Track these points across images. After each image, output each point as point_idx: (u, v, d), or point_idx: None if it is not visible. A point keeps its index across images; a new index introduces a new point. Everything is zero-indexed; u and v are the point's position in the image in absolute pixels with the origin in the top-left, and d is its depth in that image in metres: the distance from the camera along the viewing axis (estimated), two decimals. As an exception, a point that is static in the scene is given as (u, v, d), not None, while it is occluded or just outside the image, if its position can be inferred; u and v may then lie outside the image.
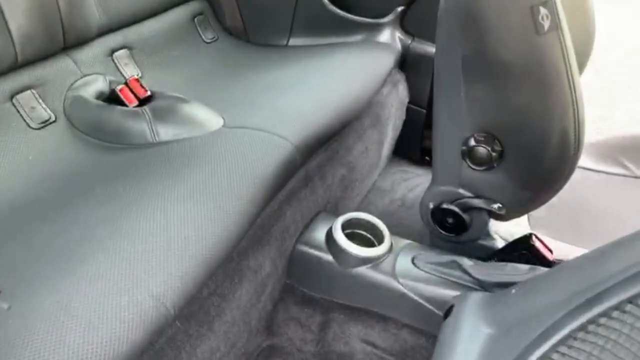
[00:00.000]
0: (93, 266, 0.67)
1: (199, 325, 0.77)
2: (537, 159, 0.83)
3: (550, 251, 0.95)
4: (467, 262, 0.91)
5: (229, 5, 1.46)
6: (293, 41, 1.47)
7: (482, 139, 0.86)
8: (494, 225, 1.02)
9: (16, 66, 0.98)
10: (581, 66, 1.04)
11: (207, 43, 1.42)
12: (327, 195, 1.11)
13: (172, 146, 0.96)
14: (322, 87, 1.14)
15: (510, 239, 1.02)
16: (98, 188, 0.86)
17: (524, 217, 1.12)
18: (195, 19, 1.41)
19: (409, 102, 1.53)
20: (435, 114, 0.94)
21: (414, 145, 1.60)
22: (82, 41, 1.11)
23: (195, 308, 0.77)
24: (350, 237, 0.99)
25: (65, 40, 1.06)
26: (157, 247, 0.69)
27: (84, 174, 0.92)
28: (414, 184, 1.54)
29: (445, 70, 0.88)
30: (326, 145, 1.12)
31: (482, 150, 0.86)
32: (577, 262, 0.60)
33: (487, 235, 1.00)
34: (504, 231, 1.03)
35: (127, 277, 0.65)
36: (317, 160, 1.09)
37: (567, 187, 0.88)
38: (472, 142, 0.87)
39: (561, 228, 1.08)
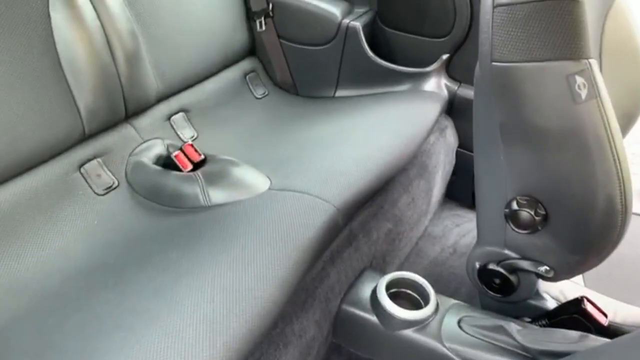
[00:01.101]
0: (146, 341, 0.72)
1: (244, 393, 0.80)
2: (582, 224, 0.80)
3: (605, 315, 0.91)
4: (514, 327, 0.89)
5: (279, 62, 1.52)
6: (340, 92, 1.51)
7: (525, 202, 0.85)
8: (545, 284, 0.99)
9: (83, 139, 1.08)
10: (626, 128, 1.00)
11: (258, 99, 1.49)
12: (373, 250, 1.12)
13: (223, 209, 1.01)
14: (366, 144, 1.16)
15: (562, 298, 0.99)
16: (154, 255, 0.92)
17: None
18: (247, 77, 1.49)
19: (459, 147, 1.52)
20: (477, 175, 0.94)
21: (465, 190, 1.58)
22: (141, 110, 1.20)
23: (241, 376, 0.80)
24: (396, 296, 0.99)
25: (126, 110, 1.16)
26: (203, 321, 0.73)
27: (143, 240, 0.99)
28: (466, 229, 1.52)
29: (484, 134, 0.88)
30: (370, 201, 1.14)
31: (525, 214, 0.85)
32: (635, 339, 0.58)
33: (537, 295, 0.98)
34: (555, 290, 1.00)
35: (174, 354, 0.70)
36: (360, 217, 1.11)
37: (625, 238, 0.85)
38: (515, 206, 0.86)
39: (619, 285, 1.03)
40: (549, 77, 0.74)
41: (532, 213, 0.84)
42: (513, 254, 0.93)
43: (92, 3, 1.04)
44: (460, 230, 1.51)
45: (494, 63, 0.79)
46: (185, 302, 0.77)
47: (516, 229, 0.88)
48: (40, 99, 0.98)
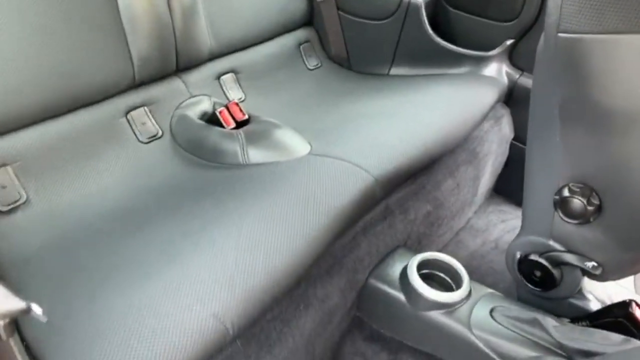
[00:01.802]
0: (167, 278, 0.72)
1: (258, 347, 0.78)
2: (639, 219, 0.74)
3: (655, 323, 0.83)
4: (550, 322, 0.83)
5: (335, 34, 1.49)
6: (395, 70, 1.47)
7: (578, 190, 0.79)
8: (589, 284, 0.92)
9: (133, 86, 1.09)
10: None
11: (310, 70, 1.47)
12: (408, 230, 1.08)
13: (260, 169, 1.00)
14: (414, 120, 1.12)
15: (608, 302, 0.92)
16: (187, 203, 0.92)
17: (629, 278, 0.99)
18: (301, 47, 1.47)
19: (514, 139, 1.45)
20: (528, 158, 0.88)
21: (516, 185, 1.49)
22: (193, 65, 1.21)
23: (257, 330, 0.79)
24: (427, 278, 0.95)
25: (178, 63, 1.16)
26: (225, 266, 0.72)
27: (178, 189, 0.99)
28: (512, 226, 1.44)
29: (541, 112, 0.82)
30: (412, 179, 1.10)
31: (576, 202, 0.79)
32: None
33: (580, 294, 0.91)
34: (600, 292, 0.92)
35: (193, 294, 0.69)
36: (400, 193, 1.07)
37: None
38: (566, 193, 0.80)
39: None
40: (621, 52, 0.67)
41: (585, 202, 0.78)
42: (558, 246, 0.86)
43: (155, -50, 1.05)
44: (506, 226, 1.44)
45: (560, 34, 0.72)
46: (210, 248, 0.76)
47: (565, 218, 0.82)
48: (96, 40, 0.99)
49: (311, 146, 1.06)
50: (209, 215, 0.86)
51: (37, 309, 0.38)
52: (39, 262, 0.81)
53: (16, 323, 0.41)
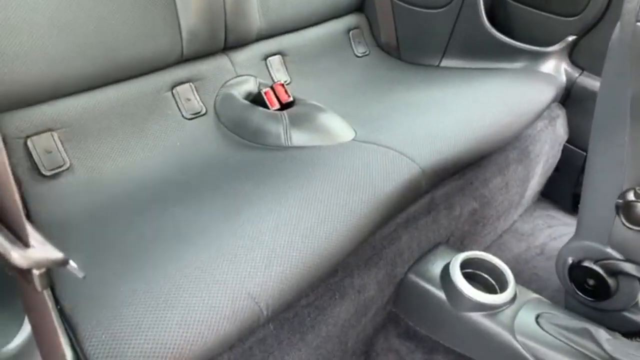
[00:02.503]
0: (203, 254, 0.70)
1: (291, 333, 0.76)
2: None
3: None
4: (603, 335, 0.77)
5: (386, 21, 1.45)
6: (445, 62, 1.42)
7: (646, 194, 0.73)
8: (648, 299, 0.85)
9: (180, 61, 1.08)
10: None
11: (358, 57, 1.44)
12: (452, 227, 1.04)
13: (302, 152, 0.97)
14: (465, 113, 1.07)
15: (668, 319, 0.85)
16: (227, 182, 0.90)
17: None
18: (350, 33, 1.43)
19: (567, 142, 1.37)
20: (590, 158, 0.83)
21: (566, 190, 1.43)
22: (241, 44, 1.19)
23: (291, 315, 0.76)
24: (470, 277, 0.90)
25: (226, 41, 1.15)
26: (262, 247, 0.70)
27: (219, 167, 0.98)
28: (559, 232, 1.37)
29: (609, 108, 0.76)
30: (460, 173, 1.05)
31: (643, 207, 0.73)
32: None
33: (635, 307, 0.85)
34: (660, 308, 0.86)
35: (229, 272, 0.67)
36: (446, 188, 1.02)
37: None
38: (631, 197, 0.74)
39: None
40: None
41: (653, 208, 0.72)
42: (617, 254, 0.81)
43: None
44: (552, 232, 1.37)
45: (639, 23, 0.67)
46: (248, 228, 0.74)
47: (627, 224, 0.76)
48: (146, 12, 0.98)
49: (356, 132, 1.03)
50: (249, 195, 0.84)
51: (73, 264, 0.36)
52: (77, 228, 0.80)
53: (51, 282, 0.39)
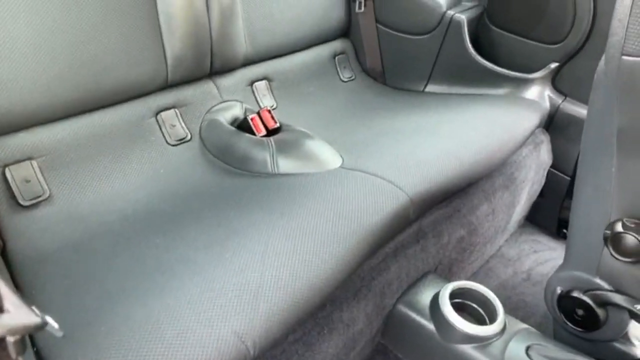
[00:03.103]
0: (187, 290, 0.68)
1: (278, 370, 0.74)
2: None
3: None
4: (594, 368, 0.76)
5: (372, 47, 1.46)
6: (431, 87, 1.42)
7: (633, 226, 0.73)
8: (636, 328, 0.85)
9: (165, 86, 1.06)
10: None
11: (344, 82, 1.44)
12: (440, 255, 1.03)
13: (289, 179, 0.96)
14: (451, 139, 1.07)
15: (657, 350, 0.85)
16: (212, 210, 0.88)
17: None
18: (336, 58, 1.44)
19: (552, 167, 1.38)
20: (578, 187, 0.83)
21: (551, 215, 1.43)
22: (227, 69, 1.18)
23: (278, 352, 0.74)
24: (459, 307, 0.89)
25: (212, 66, 1.14)
26: (250, 282, 0.68)
27: (204, 194, 0.96)
28: (545, 257, 1.37)
29: (596, 139, 0.77)
30: (447, 201, 1.05)
31: (630, 239, 0.73)
32: None
33: (625, 338, 0.84)
34: (649, 338, 0.85)
35: (214, 309, 0.65)
36: (434, 215, 1.02)
37: None
38: (619, 228, 0.74)
39: None
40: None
41: (640, 239, 0.72)
42: (605, 285, 0.80)
43: (197, -50, 1.03)
44: (538, 257, 1.37)
45: (624, 57, 0.67)
46: (234, 260, 0.72)
47: (616, 255, 0.76)
48: (131, 37, 0.97)
49: (343, 159, 1.02)
50: (235, 225, 0.82)
51: (53, 323, 0.34)
52: (55, 263, 0.77)
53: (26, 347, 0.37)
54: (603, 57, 0.73)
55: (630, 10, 0.66)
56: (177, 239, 0.80)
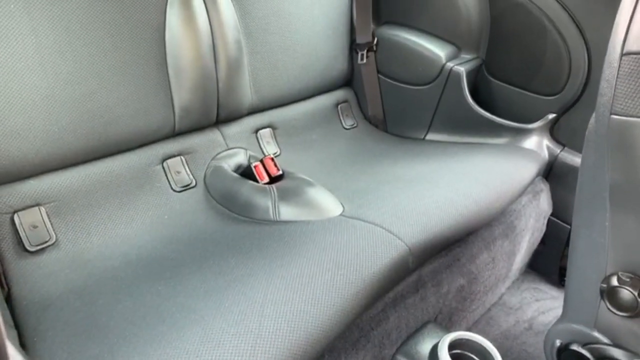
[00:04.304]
0: (187, 339, 0.68)
1: (274, 423, 0.73)
2: (700, 318, 0.68)
3: None
4: None
5: (373, 96, 1.50)
6: (431, 136, 1.46)
7: (628, 280, 0.73)
8: (638, 384, 0.84)
9: (172, 135, 1.10)
10: None
11: (346, 129, 1.47)
12: (440, 304, 1.03)
13: (290, 227, 0.98)
14: (451, 189, 1.09)
15: (659, 406, 0.83)
16: (213, 257, 0.90)
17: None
18: (339, 106, 1.48)
19: (552, 215, 1.39)
20: (573, 240, 0.84)
21: (552, 263, 1.43)
22: (232, 118, 1.22)
23: (275, 403, 0.74)
24: (458, 358, 0.89)
25: (218, 116, 1.18)
26: (248, 333, 0.69)
27: (206, 241, 0.97)
28: (547, 306, 1.37)
29: (589, 194, 0.78)
30: (447, 250, 1.06)
31: (626, 293, 0.73)
32: None
33: (627, 394, 0.83)
34: (650, 394, 0.84)
35: (212, 356, 0.65)
36: (433, 264, 1.03)
37: None
38: (614, 282, 0.75)
39: None
40: (680, 139, 0.64)
41: (635, 294, 0.73)
42: (604, 338, 0.80)
43: (206, 8, 1.09)
44: (540, 306, 1.36)
45: (613, 116, 0.70)
46: (234, 309, 0.73)
47: (612, 309, 0.76)
48: (141, 88, 1.01)
49: (343, 207, 1.04)
50: (235, 273, 0.83)
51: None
52: (59, 309, 0.79)
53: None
54: (593, 115, 0.76)
55: (617, 72, 0.69)
56: (178, 287, 0.82)
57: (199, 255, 0.92)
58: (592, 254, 0.79)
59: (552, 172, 1.36)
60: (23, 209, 0.88)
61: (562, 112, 1.32)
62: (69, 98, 0.92)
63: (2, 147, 0.85)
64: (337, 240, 0.89)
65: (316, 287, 0.78)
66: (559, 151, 1.33)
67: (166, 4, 1.02)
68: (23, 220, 0.88)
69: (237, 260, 0.87)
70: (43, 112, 0.89)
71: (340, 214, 1.01)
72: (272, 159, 1.13)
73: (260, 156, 1.22)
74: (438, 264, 1.03)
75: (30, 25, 0.86)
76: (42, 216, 0.90)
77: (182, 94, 1.07)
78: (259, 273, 0.82)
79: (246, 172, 1.13)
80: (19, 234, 0.86)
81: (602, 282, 0.77)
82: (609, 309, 0.77)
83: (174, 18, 1.03)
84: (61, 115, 0.91)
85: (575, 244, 0.84)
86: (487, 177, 1.18)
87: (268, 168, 1.12)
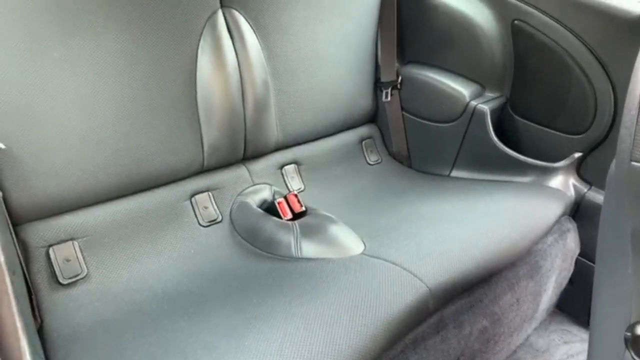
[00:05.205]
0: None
1: None
2: None
3: None
4: None
5: (398, 133, 1.52)
6: (456, 173, 1.46)
7: (654, 330, 0.72)
8: None
9: (201, 171, 1.14)
10: None
11: (370, 165, 1.49)
12: (462, 346, 1.02)
13: (311, 264, 0.99)
14: (474, 228, 1.09)
15: None
16: (236, 294, 0.92)
17: None
18: (363, 142, 1.50)
19: (580, 255, 1.37)
20: (596, 286, 0.83)
21: (581, 304, 1.40)
22: (258, 154, 1.26)
23: None
24: (478, 403, 0.88)
25: (245, 152, 1.22)
26: (266, 373, 0.70)
27: (230, 276, 1.00)
28: (575, 349, 1.33)
29: (611, 240, 0.78)
30: (469, 291, 1.05)
31: (652, 343, 0.72)
32: None
33: None
34: None
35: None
36: (455, 305, 1.02)
37: None
38: (639, 331, 0.73)
39: None
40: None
41: (662, 344, 0.71)
42: (630, 389, 0.78)
43: (235, 51, 1.14)
44: (569, 349, 1.33)
45: (634, 163, 0.70)
46: (253, 349, 0.75)
47: (637, 359, 0.74)
48: (172, 128, 1.06)
49: (365, 245, 1.05)
50: (256, 310, 0.85)
51: None
52: (87, 341, 0.82)
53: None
54: (614, 161, 0.76)
55: (637, 119, 0.70)
56: (201, 323, 0.84)
57: (222, 291, 0.94)
58: (615, 301, 0.78)
59: (580, 211, 1.34)
60: (58, 243, 0.93)
61: (589, 151, 1.31)
62: (104, 138, 0.97)
63: (41, 184, 0.91)
64: (358, 280, 0.90)
65: (335, 328, 0.79)
66: (586, 190, 1.32)
67: (198, 49, 1.07)
68: (57, 254, 0.92)
69: (259, 297, 0.89)
70: (79, 151, 0.94)
71: (362, 253, 1.02)
72: (296, 195, 1.16)
73: (285, 192, 1.25)
74: (460, 305, 1.02)
75: (71, 71, 0.92)
76: (75, 250, 0.94)
77: (211, 133, 1.12)
78: (279, 312, 0.83)
79: (270, 208, 1.16)
80: (53, 267, 0.91)
81: (627, 330, 0.75)
82: (633, 358, 0.75)
83: (205, 61, 1.08)
84: (96, 154, 0.96)
85: (598, 290, 0.82)
86: (511, 216, 1.17)
87: (291, 204, 1.15)
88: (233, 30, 1.14)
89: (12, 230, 0.85)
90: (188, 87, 1.08)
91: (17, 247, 0.85)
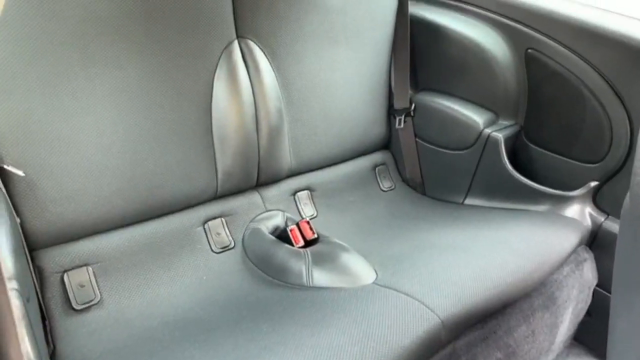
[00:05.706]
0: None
1: None
2: None
3: None
4: None
5: (411, 160, 1.52)
6: (470, 200, 1.45)
7: (672, 368, 0.70)
8: None
9: (214, 198, 1.15)
10: None
11: (384, 191, 1.49)
12: (475, 379, 1.00)
13: (323, 293, 0.99)
14: (487, 258, 1.07)
15: None
16: (247, 322, 0.92)
17: None
18: (377, 169, 1.51)
19: (597, 285, 1.34)
20: (612, 322, 0.81)
21: (599, 336, 1.36)
22: (271, 181, 1.27)
23: None
24: None
25: (258, 179, 1.23)
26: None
27: (241, 304, 1.00)
28: (594, 383, 1.29)
29: (626, 274, 0.76)
30: (482, 322, 1.03)
31: (671, 382, 0.70)
32: None
33: None
34: None
35: None
36: (468, 337, 1.00)
37: None
38: (658, 369, 0.71)
39: None
40: None
41: (681, 384, 0.69)
42: None
43: (250, 80, 1.16)
44: (587, 382, 1.29)
45: (649, 197, 0.69)
46: (262, 381, 0.74)
47: (656, 398, 0.72)
48: (188, 155, 1.08)
49: (377, 274, 1.04)
50: (266, 340, 0.85)
51: None
52: (100, 367, 0.82)
53: None
54: (628, 194, 0.75)
55: (651, 154, 0.69)
56: (211, 352, 0.84)
57: (233, 319, 0.94)
58: (632, 333, 0.76)
59: (597, 241, 1.32)
60: (72, 268, 0.94)
61: (605, 180, 1.29)
62: (120, 165, 0.99)
63: (58, 210, 0.92)
64: (369, 311, 0.89)
65: (345, 359, 0.78)
66: (602, 220, 1.30)
67: (213, 78, 1.10)
68: (72, 279, 0.93)
69: (269, 326, 0.89)
70: (96, 178, 0.96)
71: (373, 282, 1.01)
72: (308, 222, 1.16)
73: (298, 218, 1.25)
74: (473, 337, 1.01)
75: (90, 101, 0.94)
76: (89, 276, 0.95)
77: (225, 160, 1.13)
78: (290, 341, 0.83)
79: (282, 235, 1.16)
80: (67, 292, 0.92)
81: (645, 366, 0.74)
82: (652, 396, 0.73)
83: (220, 90, 1.11)
84: (112, 181, 0.98)
85: (615, 322, 0.81)
86: (525, 246, 1.16)
87: (303, 231, 1.15)
88: (248, 60, 1.16)
89: (28, 257, 0.86)
90: (203, 115, 1.10)
91: (33, 273, 0.86)
